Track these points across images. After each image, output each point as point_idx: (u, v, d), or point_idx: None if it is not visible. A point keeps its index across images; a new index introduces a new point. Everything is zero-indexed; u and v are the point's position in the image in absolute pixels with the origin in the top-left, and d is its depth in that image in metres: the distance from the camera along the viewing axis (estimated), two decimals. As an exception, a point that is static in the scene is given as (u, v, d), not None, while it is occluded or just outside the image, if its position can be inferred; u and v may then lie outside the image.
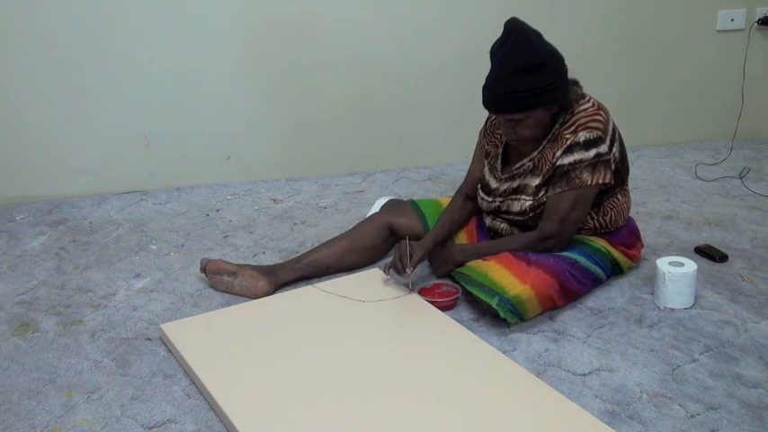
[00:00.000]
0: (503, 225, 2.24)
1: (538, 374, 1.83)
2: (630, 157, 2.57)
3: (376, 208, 2.57)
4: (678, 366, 1.85)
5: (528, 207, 2.14)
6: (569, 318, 2.08)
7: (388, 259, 2.42)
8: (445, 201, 2.39)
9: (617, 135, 2.12)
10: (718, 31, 3.49)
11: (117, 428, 1.68)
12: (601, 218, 2.18)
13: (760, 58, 3.54)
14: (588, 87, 2.16)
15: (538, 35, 2.00)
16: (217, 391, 1.72)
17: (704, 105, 3.60)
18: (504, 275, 2.02)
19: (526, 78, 1.95)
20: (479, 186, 2.28)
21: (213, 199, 3.04)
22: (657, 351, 1.92)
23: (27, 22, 2.82)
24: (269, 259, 2.48)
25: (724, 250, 2.43)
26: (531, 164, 2.13)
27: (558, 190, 2.07)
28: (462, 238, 2.31)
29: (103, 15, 2.87)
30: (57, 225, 2.80)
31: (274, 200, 3.03)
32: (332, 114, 3.21)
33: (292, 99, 3.15)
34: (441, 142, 3.35)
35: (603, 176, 2.06)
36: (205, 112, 3.08)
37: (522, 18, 2.03)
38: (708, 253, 2.41)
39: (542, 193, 2.12)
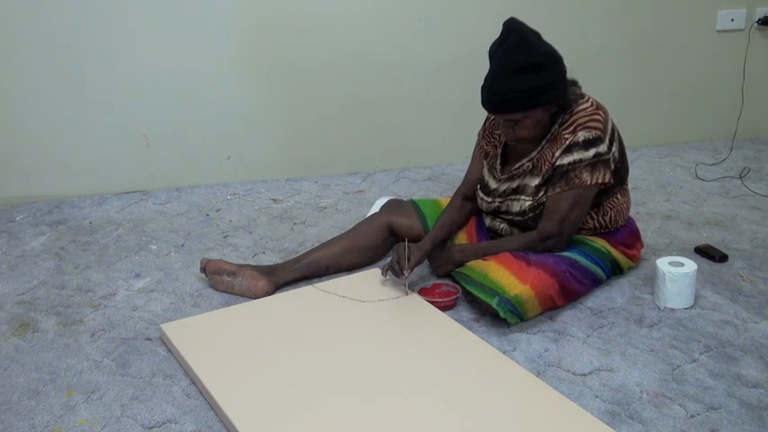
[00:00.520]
0: (502, 225, 2.24)
1: (538, 374, 1.83)
2: (630, 157, 2.58)
3: (376, 208, 2.57)
4: (678, 366, 1.85)
5: (527, 207, 2.14)
6: (569, 318, 2.08)
7: (388, 259, 2.42)
8: (445, 201, 2.39)
9: (616, 134, 2.12)
10: (718, 31, 3.49)
11: (117, 428, 1.68)
12: (600, 218, 2.18)
13: (760, 58, 3.54)
14: (588, 87, 2.16)
15: (536, 35, 2.00)
16: (217, 391, 1.72)
17: (704, 105, 3.60)
18: (504, 275, 2.02)
19: (525, 78, 1.95)
20: (479, 187, 2.28)
21: (213, 199, 3.04)
22: (657, 351, 1.92)
23: (27, 22, 2.82)
24: (269, 259, 2.48)
25: (724, 250, 2.43)
26: (530, 164, 2.13)
27: (558, 190, 2.07)
28: (462, 238, 2.31)
29: (103, 15, 2.87)
30: (57, 225, 2.80)
31: (274, 200, 3.03)
32: (332, 114, 3.21)
33: (292, 99, 3.15)
34: (441, 142, 3.35)
35: (603, 176, 2.06)
36: (205, 112, 3.09)
37: (522, 18, 2.03)
38: (708, 253, 2.41)
39: (542, 193, 2.12)
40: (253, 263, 2.45)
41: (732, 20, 3.47)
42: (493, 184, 2.23)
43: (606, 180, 2.07)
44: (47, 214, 2.90)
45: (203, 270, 2.26)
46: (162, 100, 3.02)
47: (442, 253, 2.24)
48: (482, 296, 2.00)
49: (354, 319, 2.04)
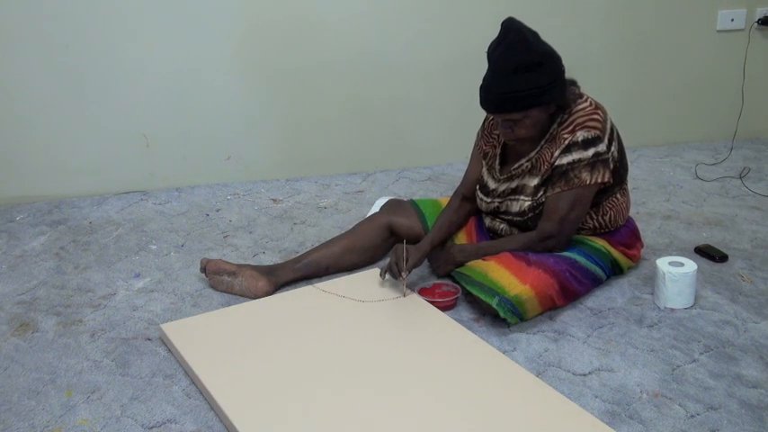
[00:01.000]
0: (502, 225, 2.24)
1: (538, 374, 1.83)
2: (630, 157, 2.58)
3: (376, 208, 2.57)
4: (678, 366, 1.85)
5: (527, 207, 2.14)
6: (569, 318, 2.08)
7: (388, 260, 2.42)
8: (445, 201, 2.39)
9: (615, 134, 2.12)
10: (718, 31, 3.49)
11: (117, 428, 1.68)
12: (600, 217, 2.18)
13: (760, 58, 3.54)
14: (588, 87, 2.16)
15: (535, 35, 2.00)
16: (217, 391, 1.72)
17: (704, 105, 3.60)
18: (504, 275, 2.02)
19: (523, 78, 1.95)
20: (478, 187, 2.28)
21: (213, 199, 3.04)
22: (657, 351, 1.92)
23: (27, 22, 2.82)
24: (269, 259, 2.48)
25: (724, 250, 2.43)
26: (529, 164, 2.13)
27: (557, 190, 2.07)
28: (462, 238, 2.31)
29: (104, 16, 2.87)
30: (57, 225, 2.80)
31: (274, 200, 3.03)
32: (332, 114, 3.21)
33: (292, 99, 3.15)
34: (441, 142, 3.35)
35: (602, 175, 2.06)
36: (205, 112, 3.09)
37: (523, 18, 2.03)
38: (708, 253, 2.41)
39: (541, 193, 2.12)
40: (253, 263, 2.45)
41: (732, 20, 3.47)
42: (492, 185, 2.23)
43: (605, 180, 2.07)
44: (47, 214, 2.90)
45: (203, 270, 2.26)
46: (162, 100, 3.02)
47: (442, 253, 2.24)
48: (482, 296, 2.00)
49: (354, 319, 2.04)
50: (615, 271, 2.25)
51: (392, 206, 2.44)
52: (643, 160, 3.40)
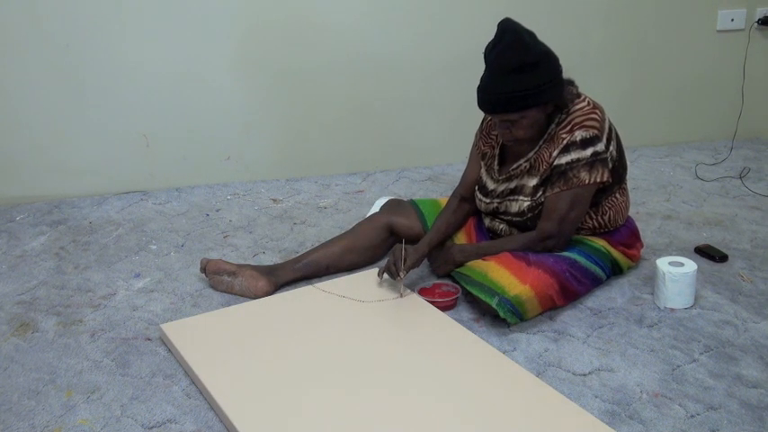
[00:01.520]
0: (501, 226, 2.24)
1: (538, 374, 1.83)
2: (630, 157, 2.58)
3: (376, 208, 2.57)
4: (678, 366, 1.85)
5: (526, 208, 2.14)
6: (569, 318, 2.08)
7: (387, 259, 2.42)
8: (445, 201, 2.39)
9: (614, 133, 2.13)
10: (719, 31, 3.49)
11: (117, 428, 1.68)
12: (600, 217, 2.18)
13: (760, 58, 3.54)
14: (588, 87, 2.16)
15: (531, 35, 2.00)
16: (217, 391, 1.72)
17: (704, 105, 3.60)
18: (504, 275, 2.02)
19: (520, 78, 1.95)
20: (477, 188, 2.28)
21: (213, 199, 3.04)
22: (657, 351, 1.92)
23: (27, 22, 2.82)
24: (269, 259, 2.48)
25: (724, 250, 2.43)
26: (527, 164, 2.13)
27: (557, 190, 2.07)
28: (461, 238, 2.31)
29: (104, 16, 2.87)
30: (57, 225, 2.80)
31: (274, 200, 3.03)
32: (332, 114, 3.21)
33: (292, 99, 3.15)
34: (441, 142, 3.35)
35: (601, 175, 2.06)
36: (205, 113, 3.09)
37: (522, 18, 2.03)
38: (708, 253, 2.41)
39: (540, 193, 2.12)
40: (253, 263, 2.45)
41: (732, 20, 3.47)
42: (491, 185, 2.23)
43: (604, 179, 2.07)
44: (47, 214, 2.90)
45: (203, 270, 2.26)
46: (162, 100, 3.02)
47: (442, 253, 2.24)
48: (482, 296, 2.00)
49: (354, 319, 2.04)
50: (615, 271, 2.25)
51: (392, 206, 2.44)
52: (643, 160, 3.40)
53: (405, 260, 2.12)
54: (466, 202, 2.32)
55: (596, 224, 2.19)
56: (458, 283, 2.15)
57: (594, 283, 2.17)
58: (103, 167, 3.06)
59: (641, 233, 2.35)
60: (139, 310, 2.18)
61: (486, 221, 2.30)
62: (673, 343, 1.95)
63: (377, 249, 2.37)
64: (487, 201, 2.23)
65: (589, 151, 2.04)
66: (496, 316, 2.00)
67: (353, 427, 1.61)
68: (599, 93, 2.23)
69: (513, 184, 2.17)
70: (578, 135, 2.04)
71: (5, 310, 2.19)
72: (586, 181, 2.05)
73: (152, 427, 1.68)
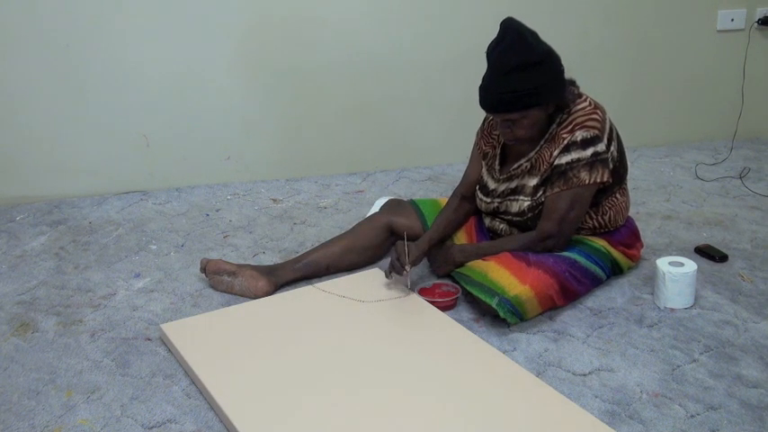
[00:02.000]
0: (502, 225, 2.24)
1: (538, 374, 1.83)
2: (630, 157, 2.58)
3: (376, 208, 2.57)
4: (678, 366, 1.85)
5: (526, 207, 2.14)
6: (569, 318, 2.08)
7: (389, 259, 2.42)
8: (445, 201, 2.39)
9: (614, 134, 2.12)
10: (719, 31, 3.49)
11: (117, 428, 1.68)
12: (600, 217, 2.18)
13: (760, 58, 3.54)
14: (588, 87, 2.16)
15: (534, 35, 2.00)
16: (217, 391, 1.72)
17: (704, 105, 3.60)
18: (504, 276, 2.02)
19: (522, 78, 1.95)
20: (478, 187, 2.28)
21: (213, 199, 3.04)
22: (657, 351, 1.92)
23: (27, 22, 2.82)
24: (269, 259, 2.48)
25: (724, 250, 2.43)
26: (528, 164, 2.13)
27: (557, 190, 2.07)
28: (462, 238, 2.31)
29: (104, 16, 2.87)
30: (57, 225, 2.80)
31: (274, 200, 3.03)
32: (332, 114, 3.21)
33: (292, 99, 3.15)
34: (441, 142, 3.35)
35: (601, 175, 2.06)
36: (205, 113, 3.09)
37: (522, 18, 2.03)
38: (708, 253, 2.41)
39: (540, 193, 2.12)
40: (253, 263, 2.45)
41: (732, 20, 3.47)
42: (492, 185, 2.23)
43: (605, 179, 2.07)
44: (47, 214, 2.90)
45: (203, 270, 2.26)
46: (162, 100, 3.02)
47: (442, 253, 2.24)
48: (482, 296, 2.00)
49: (354, 319, 2.04)
50: (615, 271, 2.25)
51: (392, 206, 2.44)
52: (643, 160, 3.40)
53: (408, 255, 2.11)
54: (467, 201, 2.32)
55: (596, 224, 2.19)
56: (458, 283, 2.15)
57: (594, 283, 2.17)
58: (103, 167, 3.06)
59: (641, 233, 2.35)
60: (139, 310, 2.18)
61: (487, 221, 2.30)
62: (673, 343, 1.95)
63: (377, 249, 2.37)
64: (488, 200, 2.23)
65: (590, 151, 2.04)
66: (496, 316, 2.00)
67: (353, 427, 1.61)
68: (599, 93, 2.23)
69: (513, 184, 2.17)
70: (579, 135, 2.04)
71: (5, 310, 2.19)
72: (586, 181, 2.05)
73: (152, 427, 1.68)
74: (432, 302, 2.10)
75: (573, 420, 1.62)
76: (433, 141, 3.35)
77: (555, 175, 2.07)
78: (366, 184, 3.18)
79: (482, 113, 2.22)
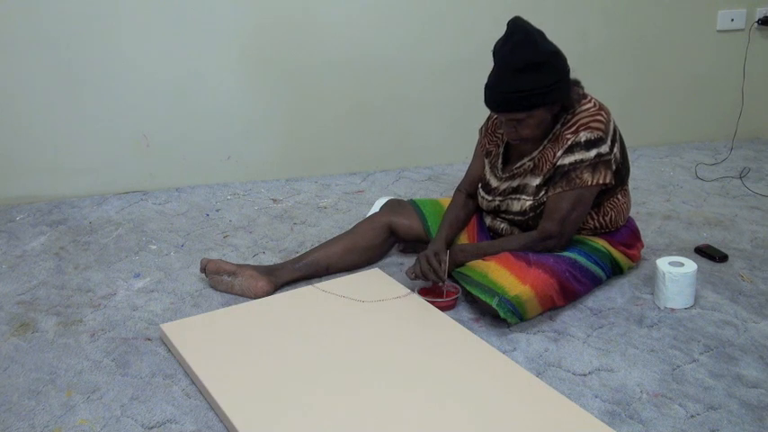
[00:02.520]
0: (503, 225, 2.24)
1: (538, 374, 1.83)
2: (631, 157, 2.57)
3: (376, 208, 2.57)
4: (678, 366, 1.85)
5: (528, 207, 2.14)
6: (569, 318, 2.08)
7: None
8: (445, 201, 2.39)
9: (618, 135, 2.12)
10: (718, 31, 3.49)
11: (117, 428, 1.68)
12: (601, 218, 2.18)
13: (760, 58, 3.54)
14: (589, 87, 2.16)
15: (541, 34, 2.00)
16: (217, 391, 1.72)
17: (704, 105, 3.60)
18: (504, 275, 2.02)
19: (529, 77, 1.95)
20: (480, 185, 2.28)
21: (213, 199, 3.04)
22: (657, 351, 1.92)
23: (27, 23, 2.82)
24: (269, 259, 2.48)
25: (724, 250, 2.43)
26: (531, 163, 2.13)
27: (559, 190, 2.07)
28: (463, 238, 2.30)
29: (104, 16, 2.87)
30: (57, 225, 2.80)
31: (274, 200, 3.03)
32: (332, 114, 3.21)
33: (292, 99, 3.15)
34: (441, 142, 3.35)
35: (604, 177, 2.06)
36: (205, 113, 3.09)
37: (523, 18, 2.03)
38: (708, 253, 2.41)
39: (542, 192, 2.12)
40: (253, 263, 2.45)
41: (732, 20, 3.47)
42: (494, 183, 2.23)
43: (607, 181, 2.07)
44: (47, 214, 2.90)
45: (203, 270, 2.26)
46: (162, 100, 3.02)
47: (442, 253, 2.24)
48: (482, 296, 2.00)
49: (354, 319, 2.04)
50: (615, 271, 2.25)
51: (392, 206, 2.44)
52: (643, 160, 3.40)
53: (446, 264, 2.10)
54: (472, 198, 2.32)
55: (597, 224, 2.19)
56: (458, 283, 2.15)
57: (594, 283, 2.17)
58: (103, 167, 3.06)
59: (641, 233, 2.35)
60: (139, 310, 2.18)
61: (488, 220, 2.30)
62: (673, 343, 1.95)
63: (377, 249, 2.37)
64: (490, 198, 2.23)
65: (593, 153, 2.04)
66: (496, 316, 2.00)
67: (353, 427, 1.61)
68: (599, 93, 2.23)
69: (515, 183, 2.17)
70: (583, 136, 2.04)
71: (5, 310, 2.19)
72: (589, 182, 2.05)
73: (152, 427, 1.68)
74: (432, 302, 2.10)
75: (573, 420, 1.62)
76: (433, 141, 3.35)
77: (558, 175, 2.07)
78: (366, 184, 3.18)
79: (483, 114, 2.22)
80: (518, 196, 2.16)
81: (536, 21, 2.05)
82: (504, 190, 2.20)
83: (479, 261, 2.11)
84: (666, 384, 1.78)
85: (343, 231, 2.46)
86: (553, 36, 2.06)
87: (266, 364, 1.83)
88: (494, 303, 1.97)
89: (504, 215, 2.23)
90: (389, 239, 2.38)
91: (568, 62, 2.04)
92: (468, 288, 2.07)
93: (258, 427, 1.61)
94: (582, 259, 2.12)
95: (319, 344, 1.92)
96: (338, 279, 2.25)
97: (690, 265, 2.10)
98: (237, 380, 1.76)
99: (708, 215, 2.77)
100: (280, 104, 3.15)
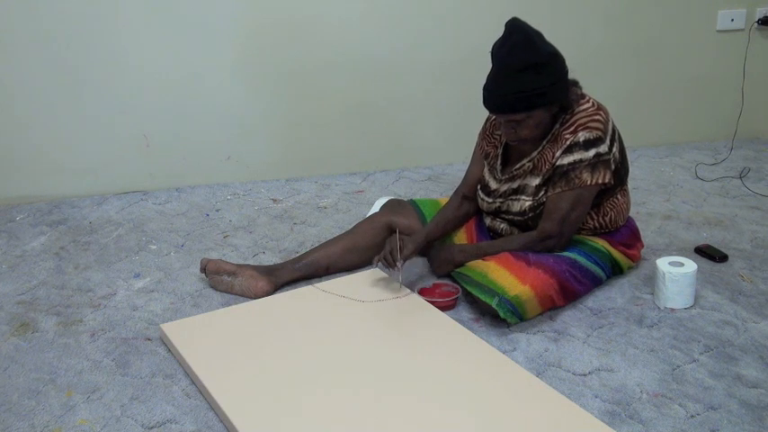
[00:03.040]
0: (502, 225, 2.24)
1: (538, 374, 1.83)
2: (630, 157, 2.58)
3: (376, 208, 2.57)
4: (678, 366, 1.85)
5: (527, 207, 2.14)
6: (569, 318, 2.08)
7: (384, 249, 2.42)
8: (445, 201, 2.39)
9: (617, 135, 2.12)
10: (718, 31, 3.49)
11: (117, 428, 1.68)
12: (600, 218, 2.18)
13: (760, 58, 3.54)
14: (588, 87, 2.16)
15: (539, 35, 2.00)
16: (217, 391, 1.72)
17: (704, 105, 3.60)
18: (504, 276, 2.02)
19: (527, 78, 1.95)
20: (479, 187, 2.28)
21: (213, 199, 3.04)
22: (657, 351, 1.92)
23: (27, 22, 2.82)
24: (269, 259, 2.48)
25: (724, 250, 2.43)
26: (530, 164, 2.13)
27: (558, 190, 2.07)
28: (462, 238, 2.31)
29: (103, 16, 2.87)
30: (57, 225, 2.80)
31: (274, 200, 3.03)
32: (332, 114, 3.21)
33: (292, 99, 3.15)
34: (441, 142, 3.35)
35: (603, 176, 2.06)
36: (205, 113, 3.09)
37: (522, 18, 2.03)
38: (708, 253, 2.41)
39: (542, 193, 2.12)
40: (253, 263, 2.45)
41: (732, 20, 3.47)
42: (493, 185, 2.23)
43: (606, 180, 2.07)
44: (47, 214, 2.90)
45: (203, 270, 2.26)
46: (162, 100, 3.02)
47: (442, 253, 2.24)
48: (482, 296, 2.00)
49: (354, 319, 2.04)
50: (615, 271, 2.25)
51: (392, 206, 2.44)
52: (643, 160, 3.40)
53: (401, 249, 2.11)
54: (468, 201, 2.32)
55: (597, 224, 2.19)
56: (458, 283, 2.15)
57: (594, 283, 2.17)
58: (103, 167, 3.06)
59: (641, 233, 2.35)
60: (139, 310, 2.18)
61: (487, 221, 2.30)
62: (673, 343, 1.95)
63: (377, 249, 2.36)
64: (489, 200, 2.23)
65: (592, 152, 2.04)
66: (496, 316, 2.00)
67: (353, 427, 1.61)
68: (599, 93, 2.23)
69: (515, 184, 2.17)
70: (582, 136, 2.04)
71: (5, 310, 2.19)
72: (588, 182, 2.05)
73: (152, 427, 1.68)
74: (432, 302, 2.10)
75: (573, 420, 1.62)
76: (433, 141, 3.35)
77: (557, 175, 2.07)
78: (366, 184, 3.18)
79: (483, 114, 2.22)
80: (517, 197, 2.16)
81: (536, 21, 2.05)
82: (504, 191, 2.20)
83: (479, 261, 2.11)
84: (666, 384, 1.78)
85: (343, 231, 2.46)
86: (553, 36, 2.06)
87: (266, 364, 1.83)
88: (494, 303, 1.97)
89: (503, 216, 2.23)
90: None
91: (568, 62, 2.04)
92: (467, 288, 2.07)
93: (258, 427, 1.61)
94: (582, 259, 2.12)
95: (319, 344, 1.92)
96: (338, 279, 2.25)
97: (690, 265, 2.10)
98: (237, 380, 1.76)
99: (708, 215, 2.77)
100: (280, 104, 3.15)
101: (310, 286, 2.22)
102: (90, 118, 2.99)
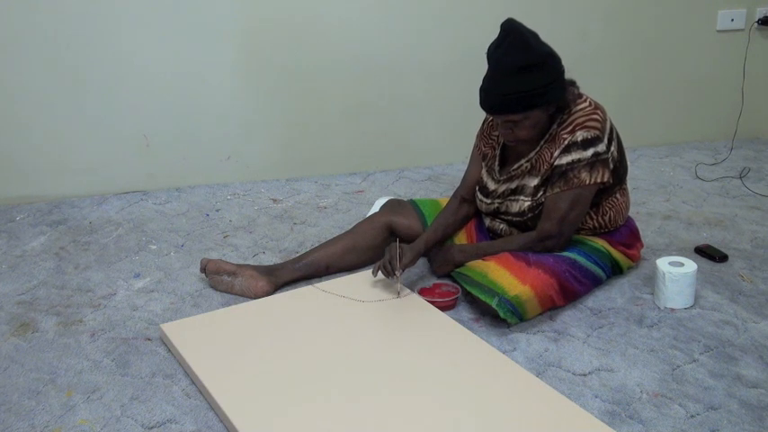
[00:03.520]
0: (502, 226, 2.24)
1: (538, 374, 1.83)
2: (630, 157, 2.58)
3: (376, 208, 2.57)
4: (678, 366, 1.85)
5: (527, 208, 2.14)
6: (569, 318, 2.08)
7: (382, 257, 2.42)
8: (445, 201, 2.39)
9: (615, 134, 2.13)
10: (718, 31, 3.49)
11: (117, 428, 1.68)
12: (600, 217, 2.18)
13: (760, 58, 3.54)
14: (588, 87, 2.16)
15: (535, 36, 2.00)
16: (217, 391, 1.72)
17: (704, 105, 3.60)
18: (504, 276, 2.02)
19: (524, 79, 1.95)
20: (478, 189, 2.28)
21: (213, 199, 3.04)
22: (657, 351, 1.92)
23: (28, 23, 2.82)
24: (269, 259, 2.48)
25: (724, 250, 2.43)
26: (528, 164, 2.13)
27: (557, 190, 2.07)
28: (462, 238, 2.31)
29: (104, 16, 2.87)
30: (57, 225, 2.80)
31: (274, 200, 3.03)
32: (332, 114, 3.21)
33: (292, 99, 3.15)
34: (441, 142, 3.35)
35: (602, 176, 2.06)
36: (205, 112, 3.09)
37: (522, 19, 2.03)
38: (708, 253, 2.41)
39: (541, 193, 2.12)
40: (253, 263, 2.45)
41: (732, 20, 3.47)
42: (492, 186, 2.23)
43: (605, 180, 2.07)
44: (47, 214, 2.90)
45: (203, 270, 2.26)
46: (162, 100, 3.02)
47: (442, 253, 2.24)
48: (482, 296, 2.00)
49: (354, 319, 2.04)
50: (615, 271, 2.25)
51: (392, 206, 2.44)
52: (643, 160, 3.40)
53: (400, 258, 2.11)
54: (466, 203, 2.32)
55: (597, 224, 2.19)
56: (458, 283, 2.15)
57: (594, 283, 2.17)
58: (103, 167, 3.06)
59: (641, 233, 2.35)
60: (139, 310, 2.18)
61: (487, 221, 2.30)
62: (673, 343, 1.95)
63: (377, 249, 2.37)
64: (488, 201, 2.23)
65: (590, 152, 2.04)
66: (496, 316, 2.00)
67: (353, 427, 1.61)
68: (599, 93, 2.23)
69: (513, 185, 2.17)
70: (579, 135, 2.04)
71: (5, 310, 2.19)
72: (587, 181, 2.05)
73: (152, 427, 1.68)
74: (432, 302, 2.10)
75: (573, 420, 1.62)
76: (433, 141, 3.35)
77: (555, 175, 2.07)
78: (366, 184, 3.18)
79: (482, 113, 2.22)
80: (516, 197, 2.16)
81: (536, 21, 2.06)
82: (503, 192, 2.20)
83: (479, 261, 2.11)
84: (666, 384, 1.78)
85: (343, 231, 2.46)
86: (552, 36, 2.06)
87: (266, 364, 1.83)
88: (493, 303, 1.97)
89: (502, 216, 2.23)
90: (389, 239, 2.38)
91: (567, 62, 2.04)
92: (467, 288, 2.07)
93: (258, 427, 1.61)
94: (582, 259, 2.12)
95: (319, 344, 1.92)
96: (338, 279, 2.25)
97: (690, 265, 2.10)
98: (237, 380, 1.76)
99: (708, 215, 2.77)
100: (280, 104, 3.15)
101: (310, 286, 2.22)
102: (90, 118, 2.99)
